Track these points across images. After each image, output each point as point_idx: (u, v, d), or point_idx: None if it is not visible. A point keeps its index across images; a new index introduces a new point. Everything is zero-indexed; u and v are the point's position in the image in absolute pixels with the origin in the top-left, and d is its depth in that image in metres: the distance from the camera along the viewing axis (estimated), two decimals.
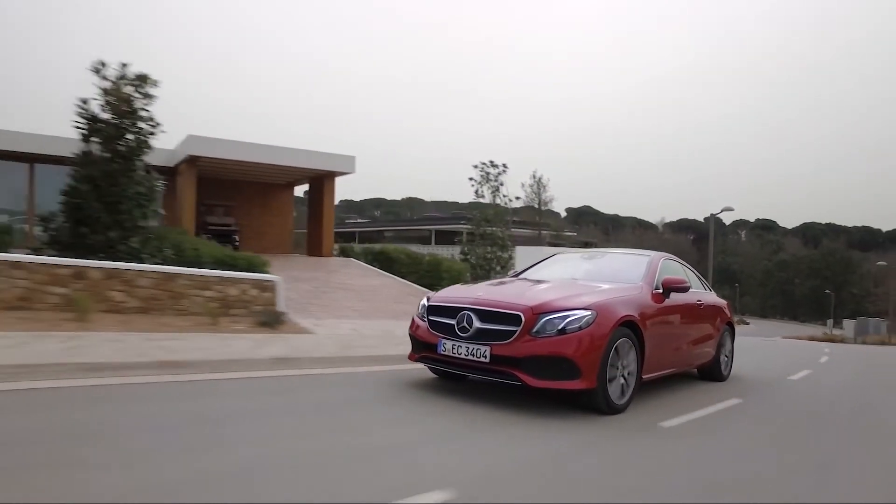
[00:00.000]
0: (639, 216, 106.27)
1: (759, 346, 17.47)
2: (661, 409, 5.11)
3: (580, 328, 4.40)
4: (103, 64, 9.83)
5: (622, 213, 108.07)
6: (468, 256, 21.40)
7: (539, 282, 5.60)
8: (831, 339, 38.99)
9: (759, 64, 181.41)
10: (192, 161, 17.62)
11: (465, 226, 27.13)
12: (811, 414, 5.70)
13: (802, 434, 4.79)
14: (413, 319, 5.35)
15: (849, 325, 47.33)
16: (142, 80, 10.09)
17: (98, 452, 2.94)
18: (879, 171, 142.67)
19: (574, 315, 4.45)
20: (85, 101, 9.86)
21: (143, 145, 10.17)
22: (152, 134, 10.30)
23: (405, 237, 55.17)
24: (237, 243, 19.56)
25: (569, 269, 6.24)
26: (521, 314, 4.47)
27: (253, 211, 22.67)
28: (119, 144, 9.98)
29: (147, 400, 4.18)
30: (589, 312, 4.48)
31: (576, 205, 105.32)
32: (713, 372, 7.03)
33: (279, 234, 23.27)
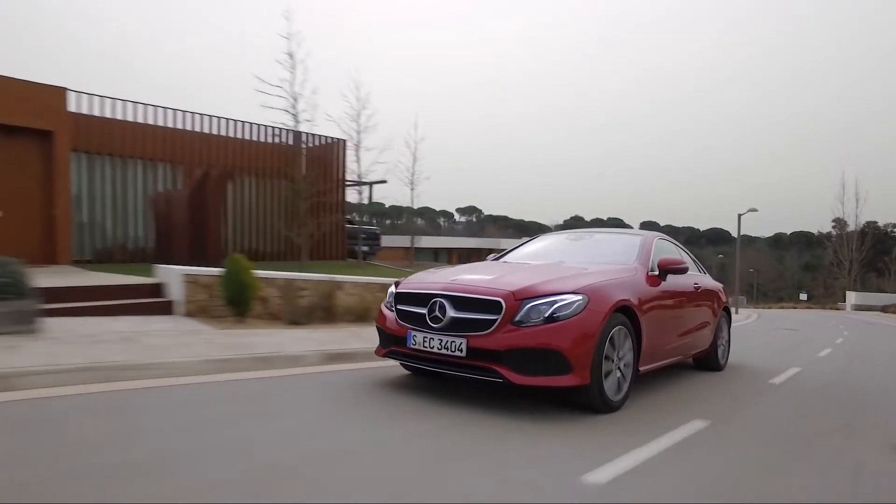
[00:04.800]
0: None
1: None
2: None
3: (570, 315, 3.80)
4: None
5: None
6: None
7: (521, 264, 5.00)
8: None
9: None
10: None
11: None
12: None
13: None
14: (381, 309, 4.73)
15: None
16: None
17: None
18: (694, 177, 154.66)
19: (563, 300, 3.86)
20: None
21: None
22: None
23: None
24: None
25: (555, 252, 5.64)
26: (501, 300, 3.85)
27: None
28: None
29: None
30: (580, 297, 3.89)
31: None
32: (710, 361, 6.51)
33: None
